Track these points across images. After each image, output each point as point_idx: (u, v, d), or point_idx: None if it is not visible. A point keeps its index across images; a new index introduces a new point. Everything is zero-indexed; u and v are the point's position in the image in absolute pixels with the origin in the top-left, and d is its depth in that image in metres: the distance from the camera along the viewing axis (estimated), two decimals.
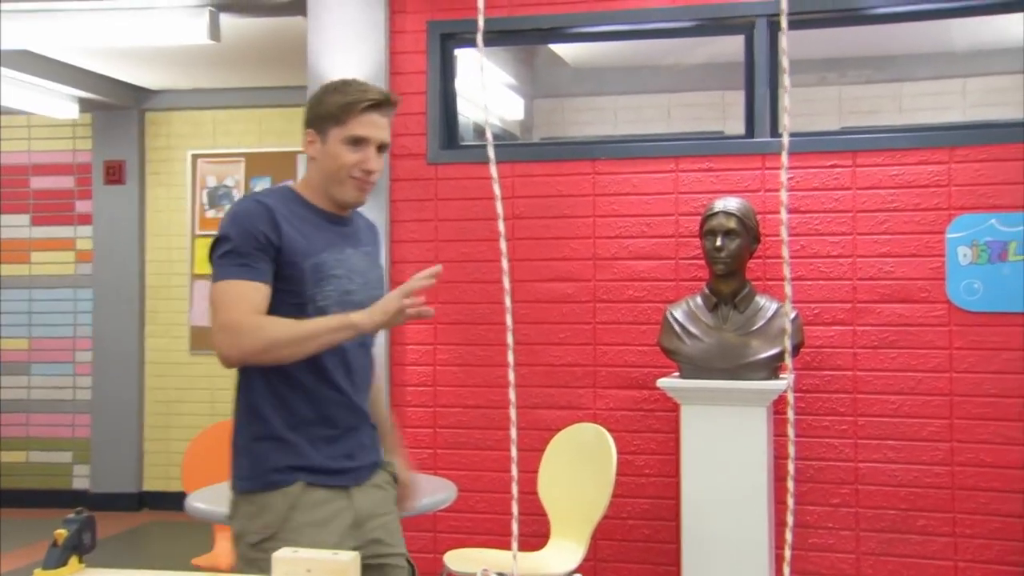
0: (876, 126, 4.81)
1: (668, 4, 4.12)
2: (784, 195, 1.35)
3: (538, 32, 4.28)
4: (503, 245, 1.18)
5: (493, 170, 1.25)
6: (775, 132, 4.08)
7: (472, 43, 4.30)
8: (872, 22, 4.09)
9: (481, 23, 1.25)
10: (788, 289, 1.21)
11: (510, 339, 1.15)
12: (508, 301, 1.18)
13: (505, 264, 1.21)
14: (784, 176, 1.38)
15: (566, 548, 3.58)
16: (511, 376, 1.07)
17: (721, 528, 3.59)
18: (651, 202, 4.16)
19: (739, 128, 4.17)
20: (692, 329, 3.75)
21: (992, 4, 4.00)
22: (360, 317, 2.01)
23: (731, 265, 3.70)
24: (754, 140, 4.08)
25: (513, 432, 1.05)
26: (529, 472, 3.91)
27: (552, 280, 4.23)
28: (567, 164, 4.24)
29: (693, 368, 3.70)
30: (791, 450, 1.23)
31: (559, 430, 3.94)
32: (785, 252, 1.24)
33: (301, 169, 6.16)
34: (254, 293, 2.00)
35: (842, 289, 3.97)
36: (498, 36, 4.30)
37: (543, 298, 4.22)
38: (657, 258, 4.13)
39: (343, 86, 2.16)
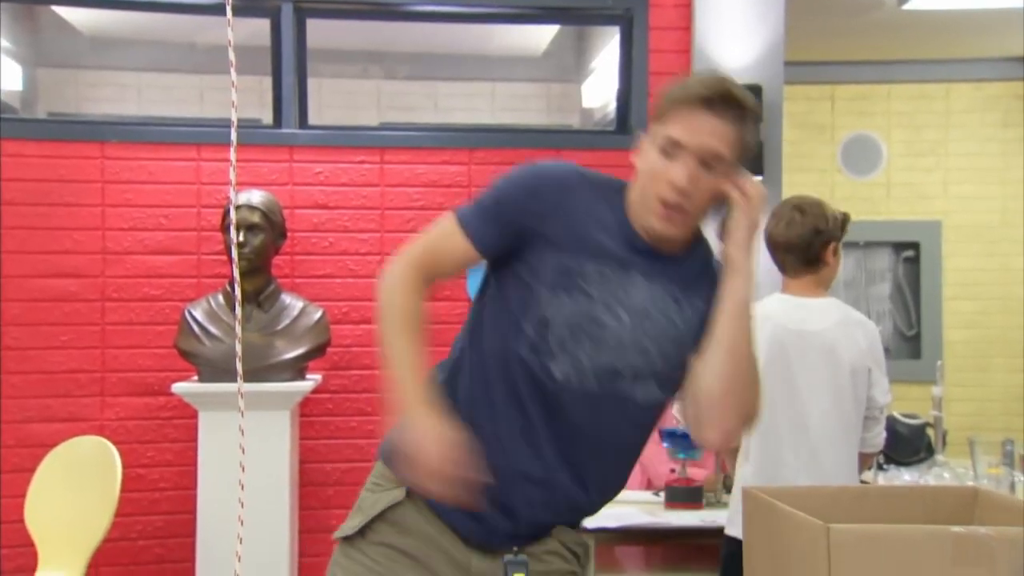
0: (406, 123, 4.85)
1: None
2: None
3: None
4: None
5: None
6: (304, 123, 3.97)
7: None
8: (401, 19, 4.10)
9: None
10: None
11: None
12: None
13: None
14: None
15: None
16: None
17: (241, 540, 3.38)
18: (170, 192, 3.85)
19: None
20: (212, 329, 3.57)
21: (516, 14, 4.19)
22: (412, 406, 1.60)
23: (254, 262, 3.54)
24: (282, 131, 3.92)
25: None
26: (17, 496, 3.43)
27: (52, 276, 3.75)
28: (71, 145, 3.79)
29: (213, 371, 3.49)
30: None
31: (56, 446, 3.50)
32: None
33: None
34: (451, 249, 1.69)
35: (371, 287, 3.92)
36: None
37: (40, 296, 3.74)
38: (177, 253, 3.84)
39: (688, 79, 1.66)
